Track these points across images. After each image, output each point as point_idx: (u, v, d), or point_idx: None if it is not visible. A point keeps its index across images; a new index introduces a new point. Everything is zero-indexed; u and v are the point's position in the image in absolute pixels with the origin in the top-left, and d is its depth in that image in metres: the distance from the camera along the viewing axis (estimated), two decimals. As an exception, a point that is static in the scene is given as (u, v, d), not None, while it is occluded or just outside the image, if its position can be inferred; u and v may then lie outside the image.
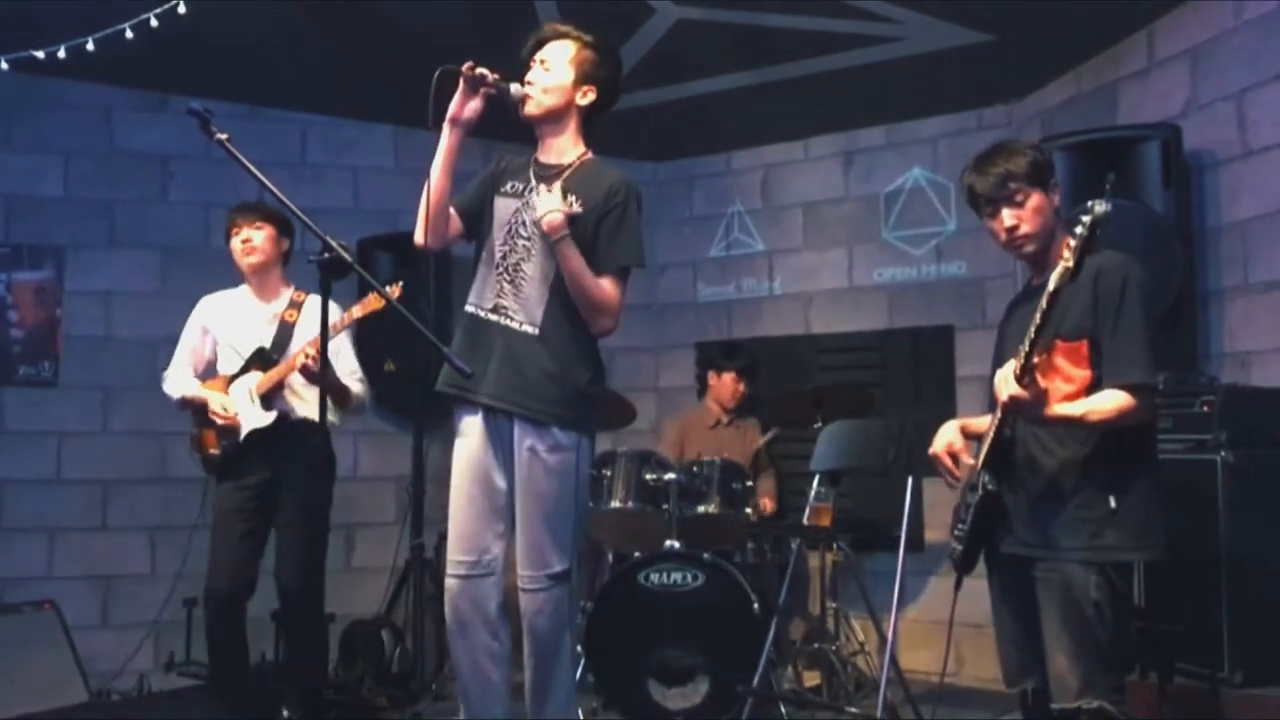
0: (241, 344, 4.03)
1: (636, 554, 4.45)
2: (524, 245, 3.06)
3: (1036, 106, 5.25)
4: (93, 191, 5.36)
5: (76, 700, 4.50)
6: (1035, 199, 2.71)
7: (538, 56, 3.09)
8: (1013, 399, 2.55)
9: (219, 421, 3.92)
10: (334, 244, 2.79)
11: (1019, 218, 2.72)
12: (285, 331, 4.02)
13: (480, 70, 2.95)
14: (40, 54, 4.34)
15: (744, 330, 6.17)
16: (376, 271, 5.17)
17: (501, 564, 3.11)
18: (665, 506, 4.55)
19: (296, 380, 3.92)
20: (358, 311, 3.84)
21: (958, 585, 2.87)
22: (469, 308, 3.12)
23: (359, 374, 4.09)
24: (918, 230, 5.69)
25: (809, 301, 6.01)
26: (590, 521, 4.67)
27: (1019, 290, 3.09)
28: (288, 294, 4.12)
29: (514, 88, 3.02)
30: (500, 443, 3.07)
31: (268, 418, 3.91)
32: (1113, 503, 2.59)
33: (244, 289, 4.15)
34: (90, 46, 4.26)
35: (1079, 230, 2.43)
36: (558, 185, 3.01)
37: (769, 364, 5.78)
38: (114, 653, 4.93)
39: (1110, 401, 2.57)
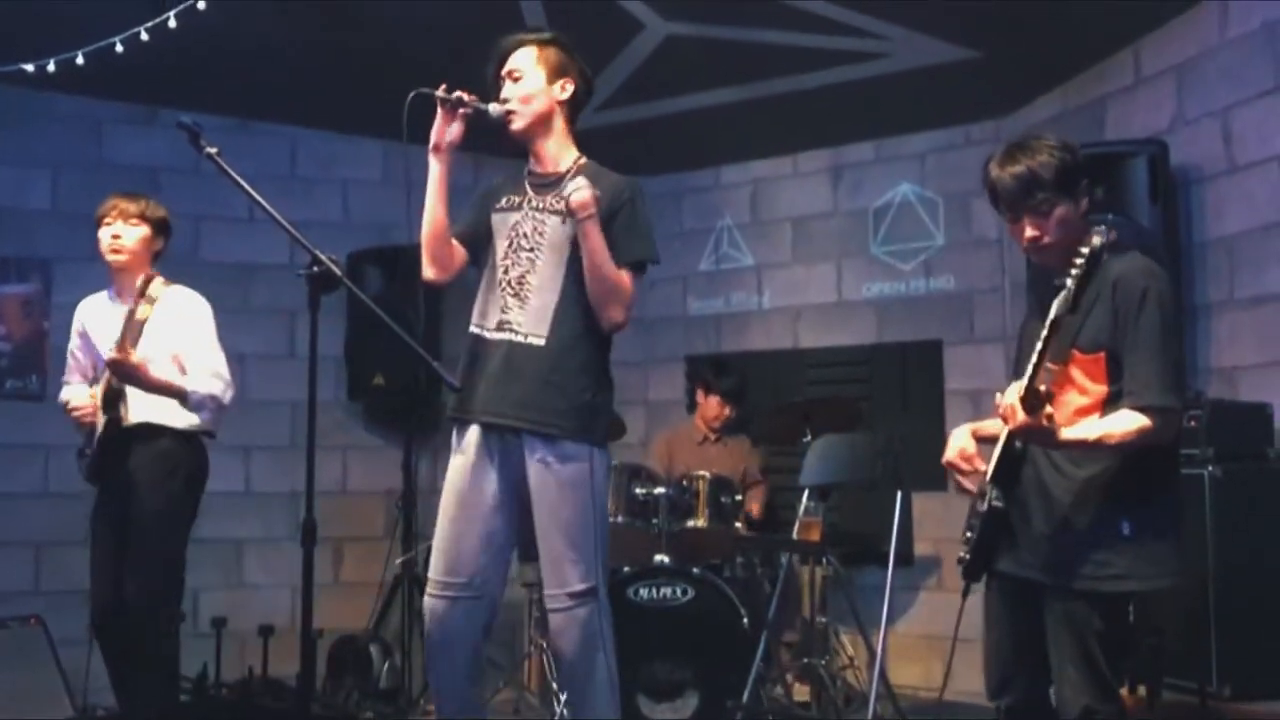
0: (103, 349, 3.66)
1: (626, 568, 4.44)
2: (527, 257, 3.00)
3: (1024, 122, 5.27)
4: (81, 204, 5.28)
5: (62, 716, 4.47)
6: (1061, 209, 2.51)
7: (504, 71, 3.04)
8: (1021, 428, 2.43)
9: (73, 416, 3.63)
10: (323, 258, 2.76)
11: (1041, 229, 2.53)
12: (133, 328, 3.55)
13: (457, 93, 2.92)
14: (30, 67, 4.34)
15: (733, 344, 6.17)
16: (366, 285, 5.17)
17: (496, 588, 3.02)
18: (654, 521, 4.55)
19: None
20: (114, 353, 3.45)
21: (964, 594, 2.79)
22: (473, 329, 3.06)
23: (214, 370, 3.65)
24: (906, 245, 5.71)
25: (797, 316, 6.02)
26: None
27: (1032, 300, 2.97)
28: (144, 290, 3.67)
29: (492, 107, 2.99)
30: (504, 461, 2.99)
31: (100, 422, 3.61)
32: (1126, 529, 2.46)
33: (110, 290, 3.83)
34: (80, 60, 4.26)
35: (1078, 261, 2.35)
36: (582, 177, 2.96)
37: (757, 378, 5.78)
38: (100, 668, 4.88)
39: (1127, 424, 2.42)
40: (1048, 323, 2.40)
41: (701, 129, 5.67)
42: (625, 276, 2.99)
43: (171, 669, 3.74)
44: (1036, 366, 2.41)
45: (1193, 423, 3.62)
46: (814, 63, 4.92)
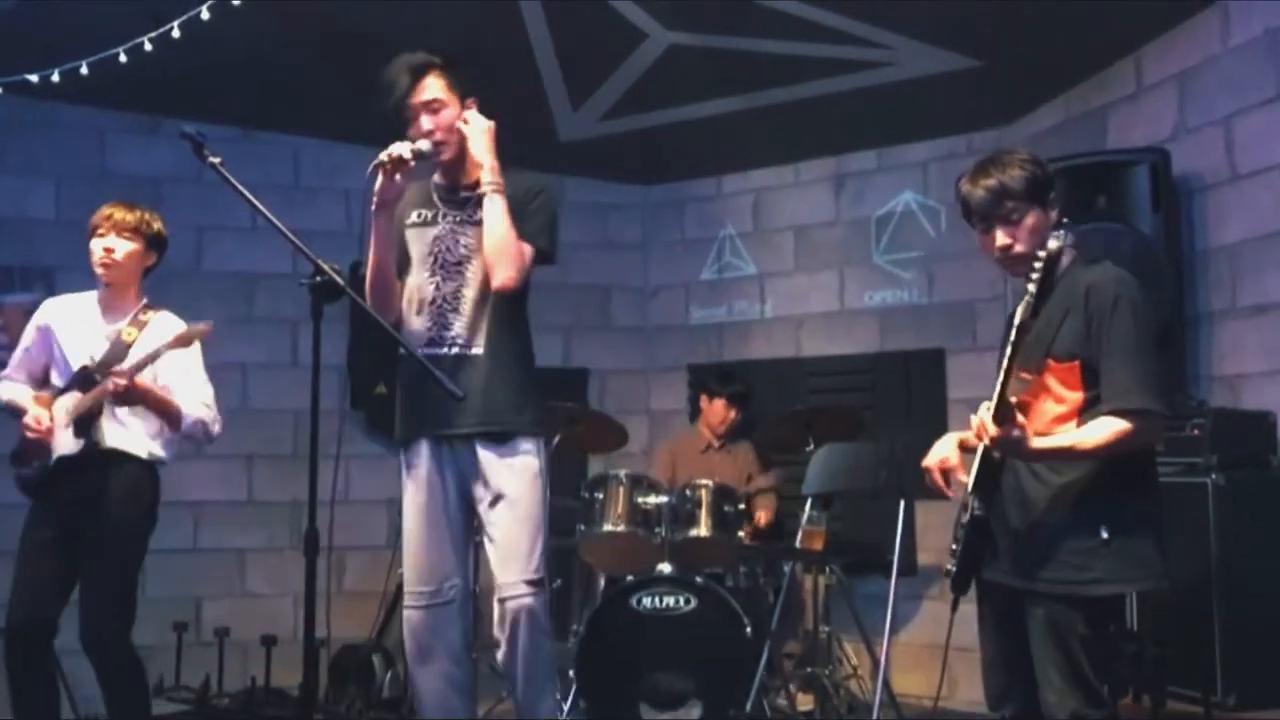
0: (74, 359, 3.58)
1: (629, 577, 4.44)
2: (456, 270, 3.12)
3: (1026, 131, 5.28)
4: (84, 214, 5.26)
5: (64, 726, 4.46)
6: (1031, 218, 2.58)
7: (419, 100, 3.11)
8: (993, 441, 2.48)
9: (28, 434, 3.53)
10: (326, 267, 2.77)
11: (1013, 237, 2.59)
12: (118, 350, 3.55)
13: (398, 155, 3.02)
14: (34, 77, 4.35)
15: (735, 353, 6.17)
16: (368, 294, 5.16)
17: (464, 593, 3.16)
18: (657, 530, 4.54)
19: (123, 408, 3.52)
20: (196, 334, 3.47)
21: (954, 606, 2.79)
22: (404, 351, 3.09)
23: (205, 401, 3.61)
24: (908, 253, 5.71)
25: (800, 324, 6.02)
26: (582, 545, 4.67)
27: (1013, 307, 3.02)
28: (134, 311, 3.65)
29: (423, 145, 3.07)
30: (455, 468, 3.12)
31: (75, 445, 3.50)
32: (1105, 533, 2.49)
33: (93, 297, 3.71)
34: (84, 70, 4.27)
35: (1036, 265, 2.38)
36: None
37: (760, 387, 5.77)
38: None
39: (1103, 430, 2.46)
40: (1014, 328, 2.44)
41: (704, 138, 5.68)
42: (525, 245, 3.08)
43: (142, 681, 3.66)
44: (1007, 373, 2.46)
45: (1196, 431, 3.63)
46: (816, 72, 4.93)
